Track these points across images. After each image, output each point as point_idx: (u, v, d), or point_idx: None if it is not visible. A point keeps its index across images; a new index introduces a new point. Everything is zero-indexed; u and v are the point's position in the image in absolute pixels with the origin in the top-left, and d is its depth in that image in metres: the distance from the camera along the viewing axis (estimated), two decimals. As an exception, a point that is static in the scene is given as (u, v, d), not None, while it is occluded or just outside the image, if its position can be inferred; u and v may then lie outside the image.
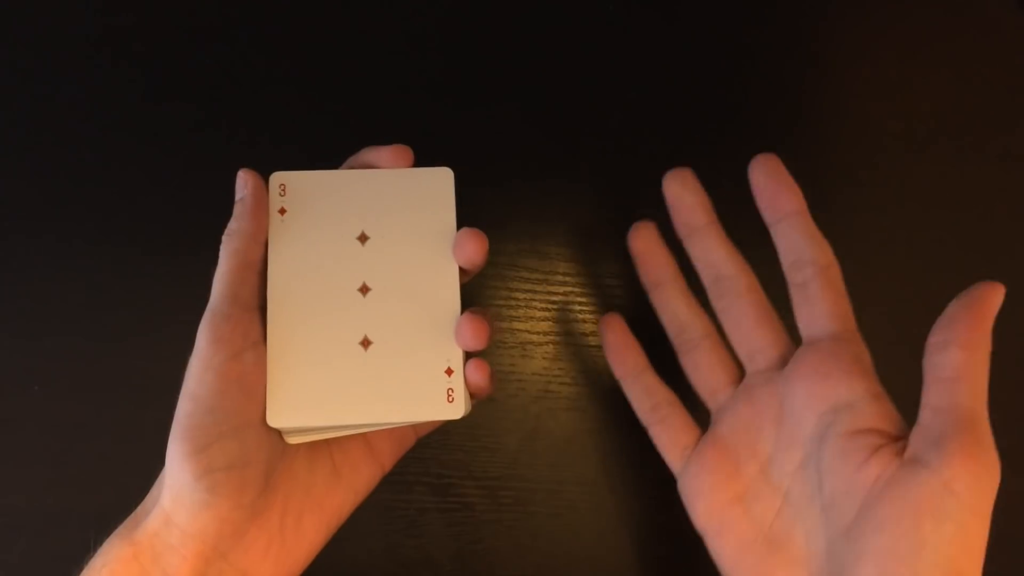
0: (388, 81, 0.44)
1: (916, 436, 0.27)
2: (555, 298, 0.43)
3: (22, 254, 0.40)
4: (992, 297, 0.28)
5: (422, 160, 0.43)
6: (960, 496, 0.25)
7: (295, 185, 0.32)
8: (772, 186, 0.33)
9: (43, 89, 0.42)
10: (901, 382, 0.44)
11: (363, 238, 0.32)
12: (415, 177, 0.33)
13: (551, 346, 0.42)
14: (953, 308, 0.28)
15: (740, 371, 0.34)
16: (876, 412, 0.29)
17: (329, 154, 0.42)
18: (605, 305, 0.43)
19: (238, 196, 0.32)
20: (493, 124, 0.44)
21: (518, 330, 0.42)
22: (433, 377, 0.31)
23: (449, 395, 0.31)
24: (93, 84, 0.42)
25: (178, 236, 0.41)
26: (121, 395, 0.40)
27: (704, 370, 0.34)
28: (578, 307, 0.43)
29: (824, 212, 0.45)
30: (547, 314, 0.43)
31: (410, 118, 0.44)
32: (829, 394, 0.30)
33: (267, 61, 0.43)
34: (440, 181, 0.33)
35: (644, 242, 0.36)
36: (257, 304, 0.31)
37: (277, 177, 0.32)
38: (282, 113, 0.43)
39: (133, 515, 0.30)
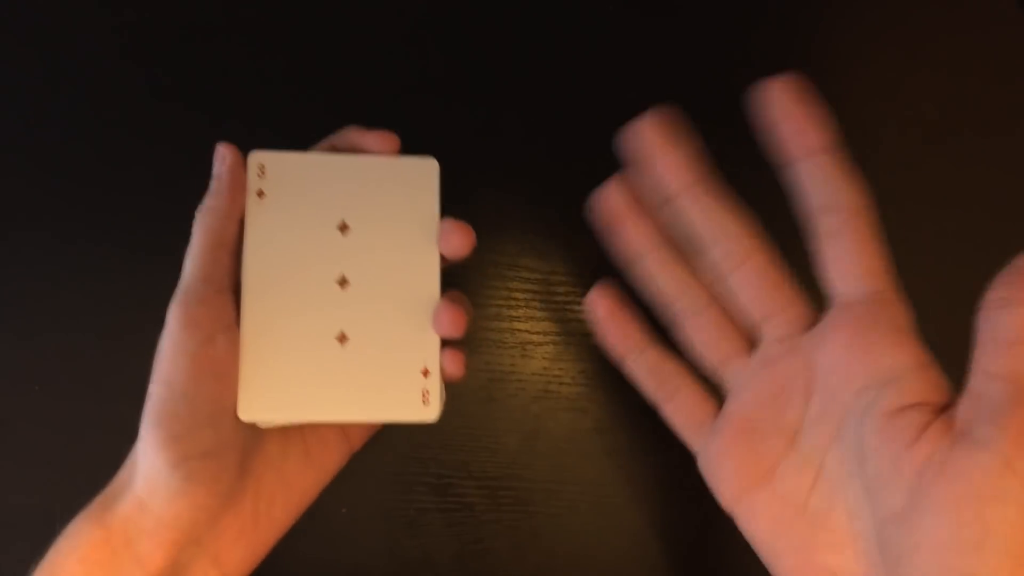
0: (387, 80, 0.44)
1: (968, 406, 0.25)
2: (555, 298, 0.43)
3: (22, 254, 0.40)
4: None
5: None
6: (1023, 475, 0.23)
7: (274, 166, 0.31)
8: (795, 117, 0.28)
9: (43, 88, 0.42)
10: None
11: (343, 227, 0.31)
12: (399, 166, 0.32)
13: (551, 346, 0.42)
14: (1021, 262, 0.25)
15: (749, 339, 0.31)
16: (923, 384, 0.26)
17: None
18: (605, 305, 0.43)
19: (215, 172, 0.31)
20: (493, 123, 0.44)
21: (518, 330, 0.42)
22: (409, 377, 0.31)
23: (424, 396, 0.31)
24: (94, 83, 0.42)
25: (178, 236, 0.41)
26: (121, 395, 0.39)
27: (710, 340, 0.31)
28: (578, 307, 0.43)
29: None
30: (547, 314, 0.43)
31: (409, 117, 0.44)
32: (870, 368, 0.26)
33: (268, 62, 0.43)
34: (424, 172, 0.32)
35: (609, 213, 0.32)
36: (230, 285, 0.31)
37: (256, 156, 0.31)
38: (283, 114, 0.43)
39: (101, 497, 0.30)
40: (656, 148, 0.30)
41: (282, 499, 0.32)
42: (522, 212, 0.43)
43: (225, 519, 0.30)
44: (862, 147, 0.47)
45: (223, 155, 0.31)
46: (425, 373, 0.31)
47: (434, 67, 0.44)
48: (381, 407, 0.30)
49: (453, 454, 0.41)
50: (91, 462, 0.39)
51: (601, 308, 0.34)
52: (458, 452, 0.41)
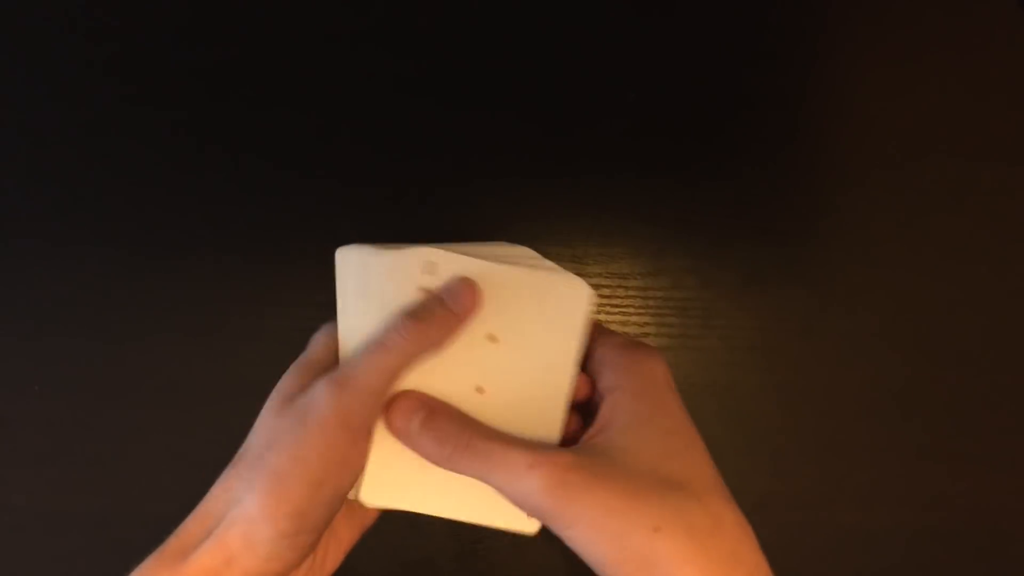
0: (389, 81, 0.44)
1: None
2: (555, 298, 0.43)
3: (22, 255, 0.40)
4: None
5: (429, 162, 0.43)
6: None
7: (442, 264, 0.32)
8: None
9: (44, 91, 0.42)
10: (907, 378, 0.44)
11: (491, 338, 0.32)
12: (552, 284, 0.32)
13: (551, 346, 0.42)
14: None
15: None
16: None
17: (330, 156, 0.43)
18: (604, 305, 0.43)
19: (452, 305, 0.31)
20: (493, 124, 0.44)
21: (518, 330, 0.42)
22: None
23: None
24: (94, 86, 0.42)
25: (178, 238, 0.41)
26: (121, 395, 0.40)
27: None
28: (578, 307, 0.43)
29: (833, 212, 0.45)
30: (547, 314, 0.42)
31: (411, 118, 0.44)
32: None
33: (264, 64, 0.43)
34: (575, 293, 0.32)
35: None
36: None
37: (423, 253, 0.32)
38: (280, 115, 0.43)
39: (174, 541, 0.30)
40: None
41: (332, 551, 0.34)
42: (522, 212, 0.43)
43: (296, 573, 0.31)
44: (867, 148, 0.47)
45: (471, 295, 0.32)
46: None
47: (435, 67, 0.44)
48: (490, 514, 0.31)
49: (453, 454, 0.41)
50: (91, 462, 0.39)
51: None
52: (458, 452, 0.41)
